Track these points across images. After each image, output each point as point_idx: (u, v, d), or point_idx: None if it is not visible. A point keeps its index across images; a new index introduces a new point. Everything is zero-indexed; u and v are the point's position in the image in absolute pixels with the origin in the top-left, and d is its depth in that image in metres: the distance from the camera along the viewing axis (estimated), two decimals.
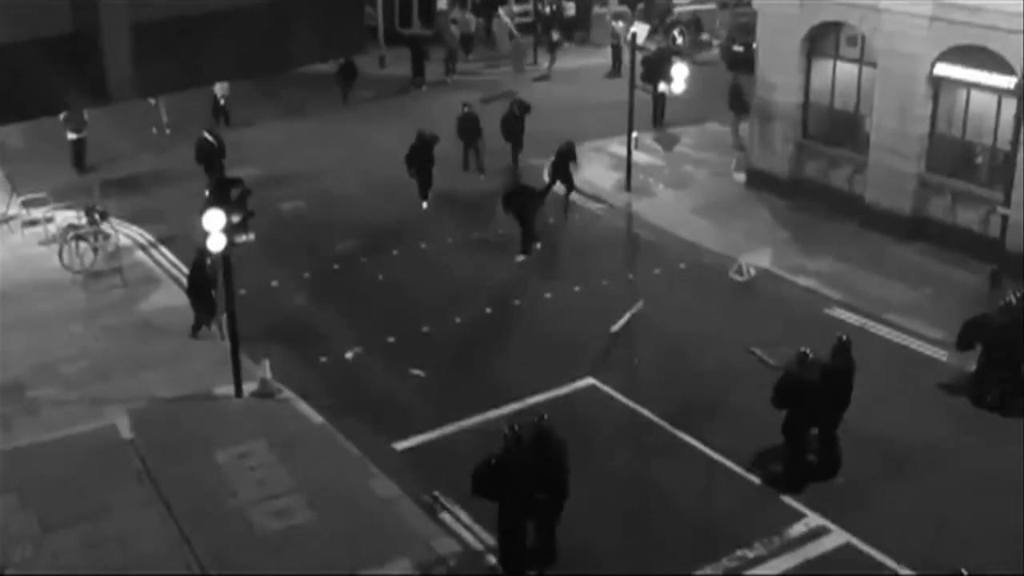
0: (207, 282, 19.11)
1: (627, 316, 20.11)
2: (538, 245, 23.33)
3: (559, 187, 25.67)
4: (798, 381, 15.34)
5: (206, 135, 27.02)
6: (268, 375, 17.74)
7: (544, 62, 39.50)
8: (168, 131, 30.97)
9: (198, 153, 26.75)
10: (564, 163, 25.75)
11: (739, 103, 29.52)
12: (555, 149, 26.04)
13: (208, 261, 18.51)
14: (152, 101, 30.61)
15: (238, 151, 27.46)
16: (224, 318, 17.65)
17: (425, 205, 25.54)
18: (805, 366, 15.40)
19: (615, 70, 38.11)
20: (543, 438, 13.52)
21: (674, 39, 40.51)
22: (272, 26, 40.52)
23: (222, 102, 32.14)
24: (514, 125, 28.42)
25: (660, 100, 30.57)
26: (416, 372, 18.42)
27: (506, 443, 13.28)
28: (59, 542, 14.25)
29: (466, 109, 28.68)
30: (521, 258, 22.87)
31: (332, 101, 34.55)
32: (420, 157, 25.53)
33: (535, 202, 23.65)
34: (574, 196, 26.09)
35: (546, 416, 13.67)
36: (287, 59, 41.33)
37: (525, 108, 28.69)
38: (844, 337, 15.98)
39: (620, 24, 39.18)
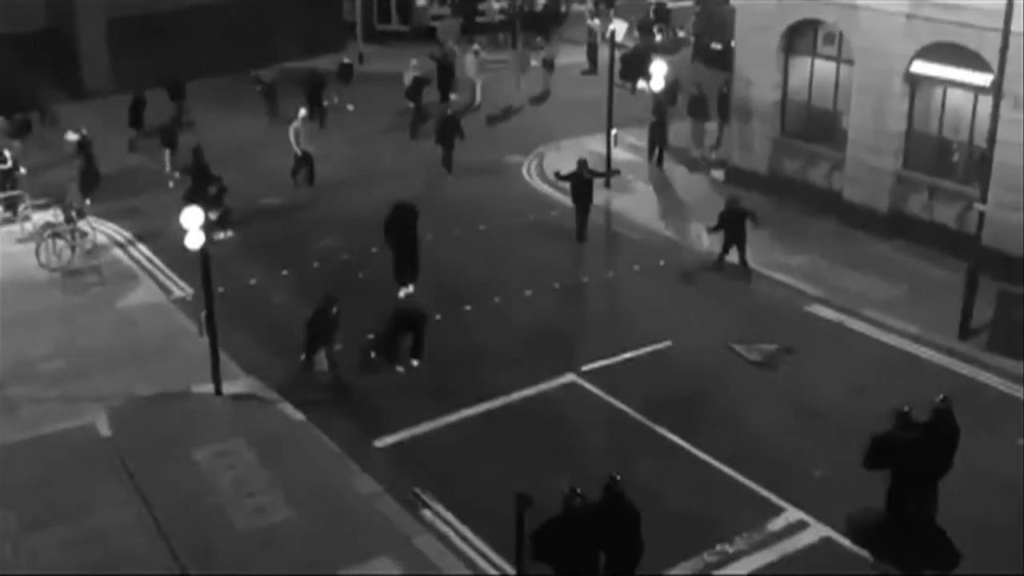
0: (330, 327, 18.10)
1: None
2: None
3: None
4: (899, 442, 13.82)
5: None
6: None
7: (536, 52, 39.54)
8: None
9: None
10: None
11: (701, 109, 29.37)
12: (534, 146, 26.11)
13: (335, 310, 18.01)
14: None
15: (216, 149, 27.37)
16: (203, 315, 17.58)
17: (402, 293, 21.05)
18: (906, 426, 13.93)
19: (592, 68, 38.19)
20: (615, 501, 12.52)
21: (653, 36, 40.58)
22: (250, 22, 40.52)
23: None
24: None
25: (660, 133, 28.93)
26: (399, 369, 18.41)
27: (566, 503, 12.15)
28: (38, 541, 14.15)
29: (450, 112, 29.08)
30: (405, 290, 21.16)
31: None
32: (398, 231, 21.34)
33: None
34: (551, 192, 26.14)
35: (618, 476, 12.65)
36: (265, 55, 41.52)
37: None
38: (944, 397, 14.37)
39: (596, 22, 39.28)
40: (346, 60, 35.15)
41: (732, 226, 21.96)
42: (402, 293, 20.85)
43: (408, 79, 32.57)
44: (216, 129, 30.85)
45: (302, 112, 27.36)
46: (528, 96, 35.51)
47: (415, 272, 21.16)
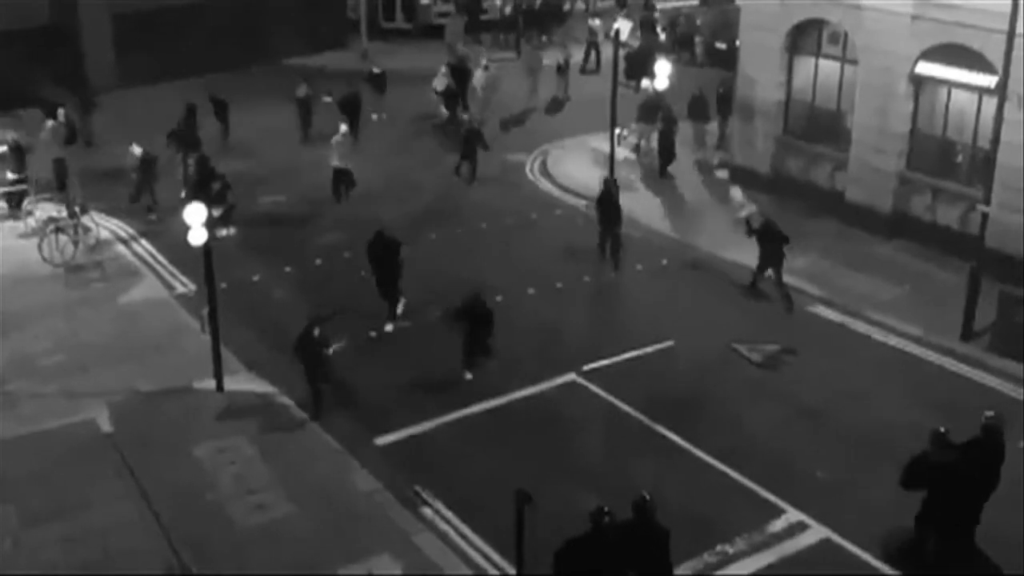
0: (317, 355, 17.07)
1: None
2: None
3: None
4: (933, 463, 13.44)
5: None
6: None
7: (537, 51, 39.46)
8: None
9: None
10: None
11: (701, 110, 29.22)
12: (537, 144, 26.08)
13: (315, 332, 16.91)
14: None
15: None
16: (205, 312, 17.59)
17: (390, 327, 20.04)
18: (942, 446, 13.51)
19: (595, 68, 37.92)
20: (645, 520, 12.43)
21: (657, 35, 40.51)
22: (253, 19, 40.46)
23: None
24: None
25: (668, 145, 28.18)
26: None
27: (595, 521, 12.03)
28: (39, 537, 14.17)
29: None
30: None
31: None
32: (380, 259, 20.25)
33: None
34: (559, 194, 26.19)
35: (648, 496, 12.56)
36: (268, 52, 41.39)
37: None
38: (991, 414, 13.99)
39: (597, 22, 39.16)
40: (376, 69, 33.33)
41: (769, 246, 20.96)
42: (389, 327, 19.93)
43: (440, 85, 31.94)
44: (247, 132, 30.46)
45: (343, 128, 26.38)
46: (544, 101, 34.57)
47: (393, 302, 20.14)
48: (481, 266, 22.54)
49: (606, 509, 12.01)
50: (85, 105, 30.04)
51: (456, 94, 32.06)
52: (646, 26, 40.35)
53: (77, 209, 22.98)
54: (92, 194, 24.72)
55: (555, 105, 34.29)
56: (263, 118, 31.40)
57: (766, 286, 21.22)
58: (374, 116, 32.13)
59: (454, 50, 37.30)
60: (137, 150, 25.49)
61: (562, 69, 35.21)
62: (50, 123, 26.42)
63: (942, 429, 13.62)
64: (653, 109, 28.94)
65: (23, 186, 25.05)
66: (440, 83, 32.23)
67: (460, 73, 33.31)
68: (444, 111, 31.68)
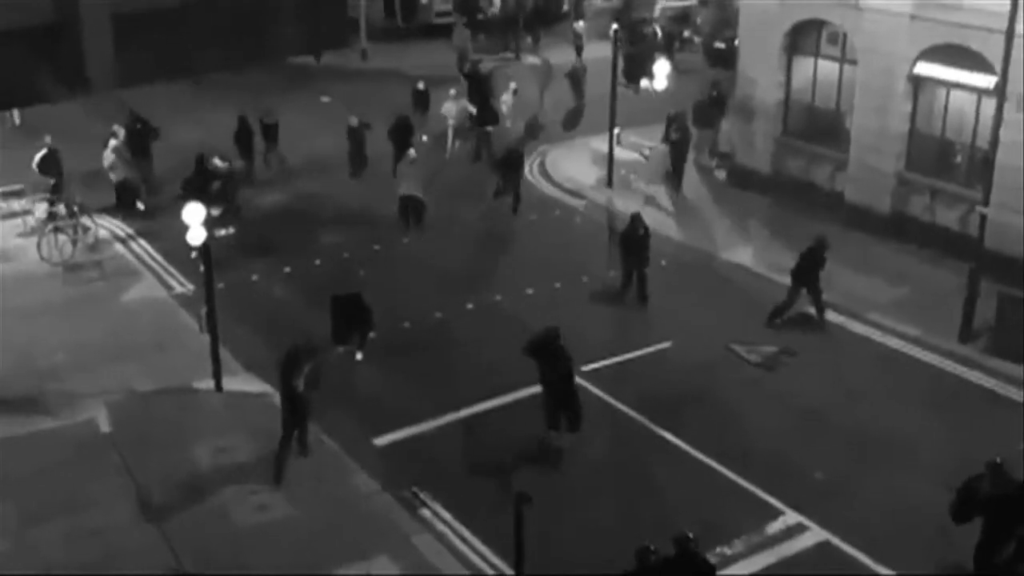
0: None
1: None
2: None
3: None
4: (991, 496, 12.95)
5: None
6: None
7: (528, 55, 39.38)
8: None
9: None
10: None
11: (704, 117, 28.71)
12: (536, 145, 26.01)
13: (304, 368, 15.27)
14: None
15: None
16: (204, 311, 17.59)
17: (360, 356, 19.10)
18: (999, 477, 13.01)
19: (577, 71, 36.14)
20: (690, 557, 12.34)
21: (655, 36, 40.43)
22: (253, 17, 40.32)
23: None
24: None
25: (680, 160, 27.12)
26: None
27: (641, 559, 12.02)
28: (38, 536, 14.18)
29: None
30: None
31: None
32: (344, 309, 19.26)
33: None
34: (558, 194, 26.17)
35: (692, 535, 12.46)
36: (270, 51, 41.20)
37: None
38: None
39: (581, 24, 38.65)
40: (420, 86, 30.62)
41: (807, 270, 20.08)
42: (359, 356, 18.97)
43: (451, 112, 29.48)
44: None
45: (411, 153, 24.86)
46: (556, 114, 32.78)
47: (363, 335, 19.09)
48: (480, 266, 22.54)
49: (652, 548, 12.00)
50: (142, 140, 26.72)
51: (485, 119, 29.22)
52: (635, 29, 39.49)
53: (76, 208, 22.98)
54: (90, 193, 24.70)
55: (549, 103, 33.51)
56: (306, 141, 29.61)
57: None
58: (424, 138, 29.27)
59: (465, 57, 36.43)
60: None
61: (575, 78, 33.70)
62: (112, 143, 25.13)
63: (998, 459, 13.14)
64: (703, 111, 28.50)
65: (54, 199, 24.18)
66: (451, 108, 29.38)
67: (476, 82, 31.67)
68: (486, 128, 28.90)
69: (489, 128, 29.07)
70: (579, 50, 37.99)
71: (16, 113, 30.19)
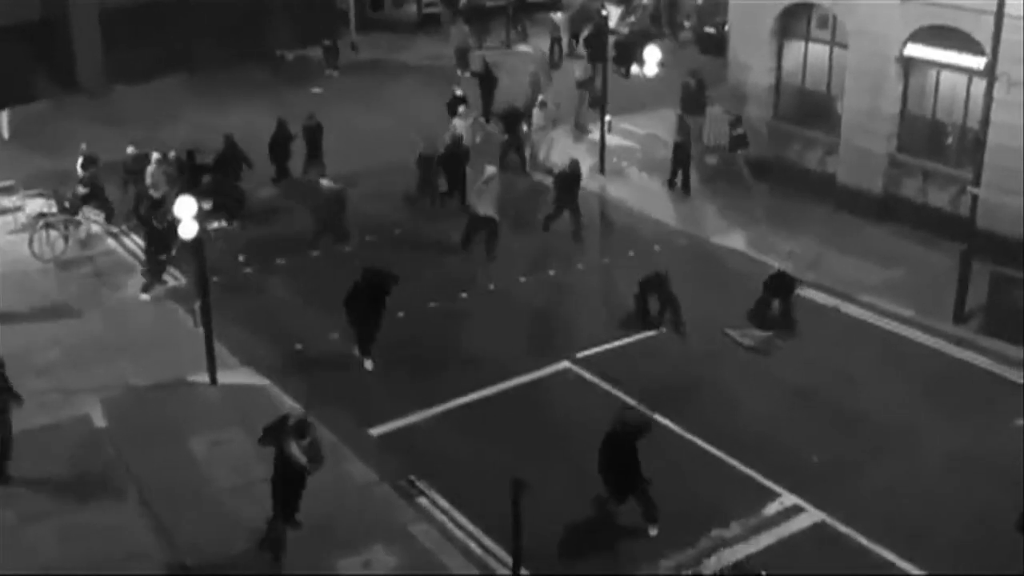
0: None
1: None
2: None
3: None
4: None
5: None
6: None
7: (518, 44, 39.15)
8: None
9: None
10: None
11: (694, 102, 28.01)
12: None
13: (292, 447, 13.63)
14: None
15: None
16: (198, 305, 17.56)
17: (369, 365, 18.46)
18: None
19: (552, 60, 35.55)
20: None
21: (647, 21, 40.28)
22: (243, 12, 40.02)
23: None
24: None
25: (685, 154, 25.96)
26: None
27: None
28: (35, 533, 14.18)
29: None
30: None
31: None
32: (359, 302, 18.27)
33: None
34: (549, 182, 26.07)
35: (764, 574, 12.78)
36: (259, 45, 41.01)
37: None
38: None
39: (559, 15, 37.49)
40: (458, 92, 28.80)
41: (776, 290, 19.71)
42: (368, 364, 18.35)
43: (463, 129, 26.43)
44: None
45: (490, 170, 22.76)
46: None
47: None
48: (473, 255, 22.49)
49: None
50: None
51: (513, 142, 27.07)
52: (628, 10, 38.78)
53: (67, 204, 22.91)
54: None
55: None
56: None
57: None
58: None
59: (465, 56, 34.96)
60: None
61: (585, 84, 30.61)
62: (155, 156, 23.69)
63: None
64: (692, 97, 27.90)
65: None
66: (462, 125, 26.33)
67: (487, 82, 30.24)
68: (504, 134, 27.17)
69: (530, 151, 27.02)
70: (556, 42, 36.48)
71: (5, 125, 29.78)
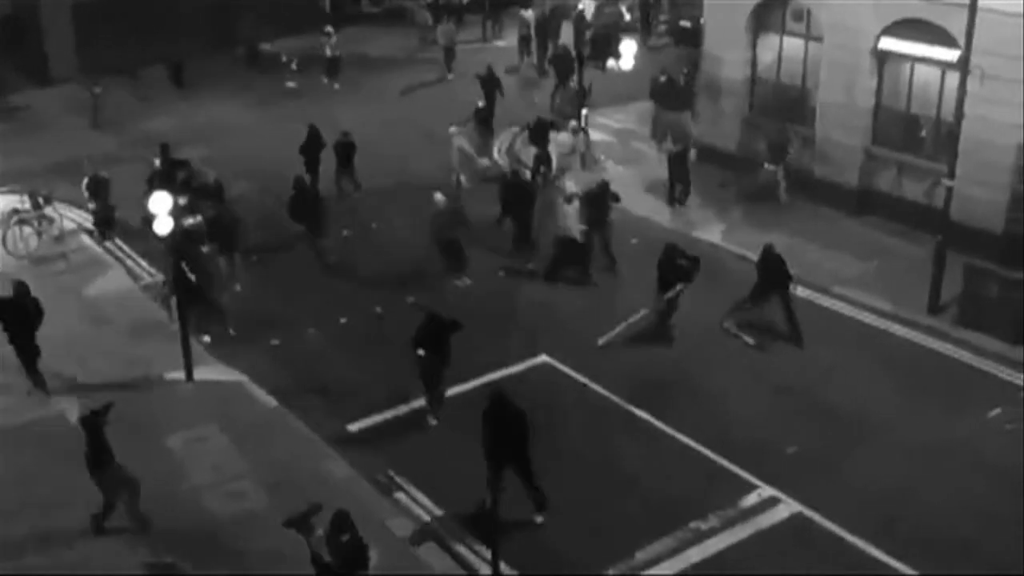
0: None
1: (619, 328, 18.82)
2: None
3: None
4: None
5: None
6: None
7: (495, 40, 38.95)
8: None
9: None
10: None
11: (664, 97, 28.07)
12: (502, 129, 25.70)
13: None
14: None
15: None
16: (173, 302, 17.48)
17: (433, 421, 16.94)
18: None
19: (522, 61, 34.55)
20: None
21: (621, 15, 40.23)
22: (218, 4, 39.72)
23: None
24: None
25: (682, 166, 24.79)
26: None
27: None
28: (11, 532, 14.09)
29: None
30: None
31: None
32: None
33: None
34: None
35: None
36: (236, 38, 40.68)
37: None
38: None
39: (529, 13, 36.09)
40: (480, 104, 28.16)
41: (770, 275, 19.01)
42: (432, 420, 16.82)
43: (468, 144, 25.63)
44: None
45: (571, 187, 21.67)
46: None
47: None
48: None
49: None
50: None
51: (544, 158, 25.79)
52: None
53: (40, 200, 22.74)
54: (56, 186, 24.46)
55: (514, 84, 31.37)
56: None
57: None
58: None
59: (452, 54, 34.20)
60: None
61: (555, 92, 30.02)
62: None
63: None
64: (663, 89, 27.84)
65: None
66: (461, 139, 25.08)
67: (491, 85, 29.21)
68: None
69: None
70: (525, 40, 35.17)
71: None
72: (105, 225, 23.00)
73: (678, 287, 18.84)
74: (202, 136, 28.57)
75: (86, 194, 23.03)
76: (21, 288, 17.49)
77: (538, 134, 25.95)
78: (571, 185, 21.93)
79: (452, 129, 25.29)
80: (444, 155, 25.20)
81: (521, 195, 22.47)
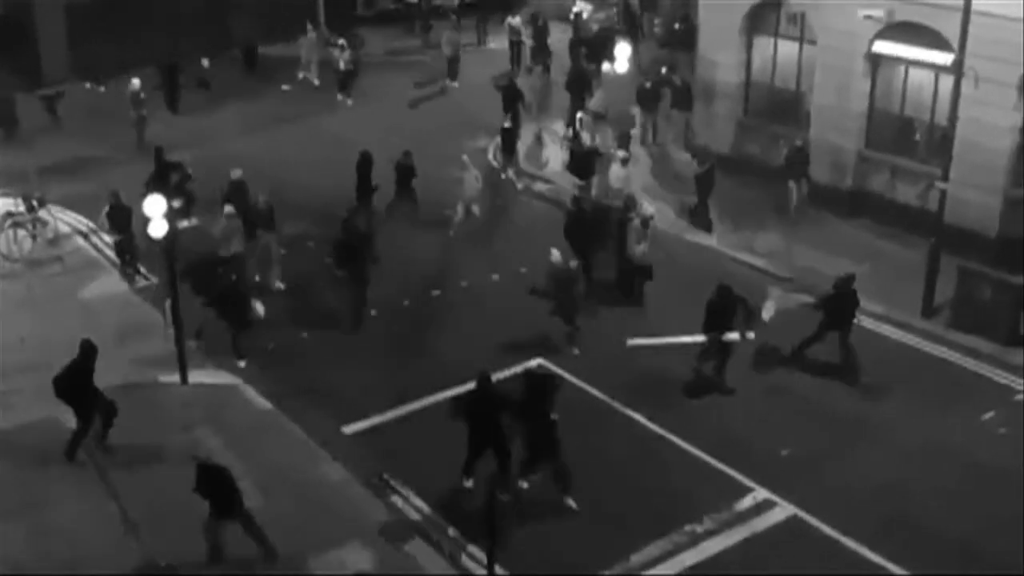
0: None
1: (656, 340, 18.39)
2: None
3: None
4: None
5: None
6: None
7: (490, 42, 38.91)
8: None
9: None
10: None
11: (653, 99, 28.19)
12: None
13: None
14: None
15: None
16: (168, 304, 17.45)
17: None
18: None
19: (515, 68, 33.83)
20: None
21: (616, 19, 40.25)
22: (211, 5, 39.67)
23: None
24: None
25: (708, 185, 23.77)
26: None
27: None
28: (5, 534, 14.05)
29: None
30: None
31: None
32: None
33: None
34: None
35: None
36: (230, 41, 40.53)
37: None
38: None
39: (518, 19, 35.28)
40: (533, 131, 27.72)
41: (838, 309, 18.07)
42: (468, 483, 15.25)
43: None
44: None
45: (648, 209, 21.24)
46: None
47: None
48: (446, 252, 22.46)
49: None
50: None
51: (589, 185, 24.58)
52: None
53: (34, 203, 22.70)
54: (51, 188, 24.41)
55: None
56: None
57: None
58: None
59: (457, 62, 33.46)
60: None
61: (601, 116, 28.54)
62: (227, 209, 20.95)
63: None
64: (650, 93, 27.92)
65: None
66: (619, 175, 23.43)
67: (512, 97, 28.38)
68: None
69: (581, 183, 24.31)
70: (516, 46, 34.22)
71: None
72: (128, 256, 21.58)
73: (735, 335, 17.39)
74: (195, 142, 28.61)
75: (106, 224, 21.59)
76: None
77: (585, 164, 24.36)
78: (648, 208, 21.40)
79: (465, 158, 23.89)
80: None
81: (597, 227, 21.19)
